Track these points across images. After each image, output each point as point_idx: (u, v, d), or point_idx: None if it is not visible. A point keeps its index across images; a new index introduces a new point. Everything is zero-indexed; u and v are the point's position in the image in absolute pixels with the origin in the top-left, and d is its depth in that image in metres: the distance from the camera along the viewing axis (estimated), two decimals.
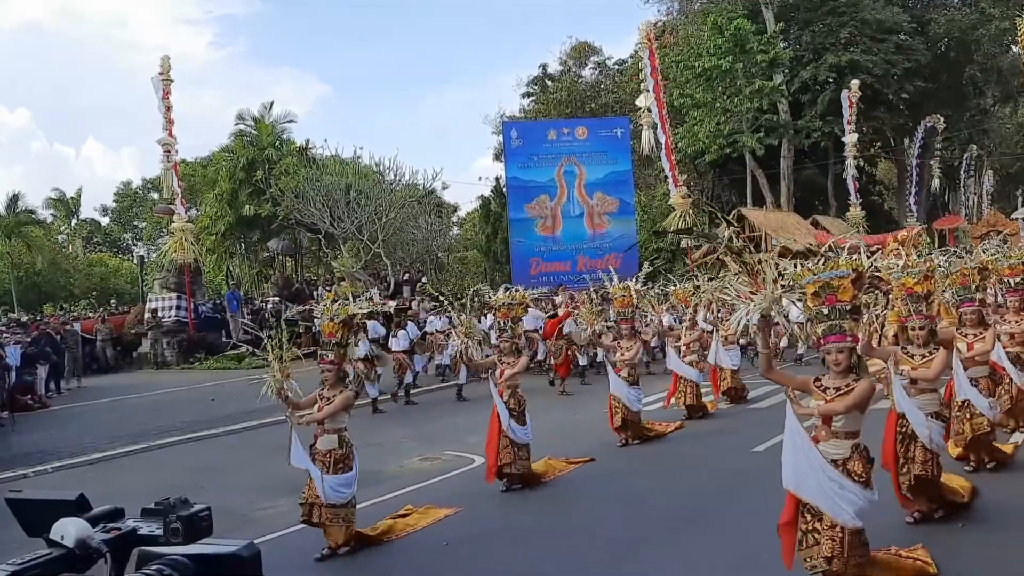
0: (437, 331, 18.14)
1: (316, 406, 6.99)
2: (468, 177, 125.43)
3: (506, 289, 9.77)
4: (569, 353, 16.87)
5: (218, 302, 28.79)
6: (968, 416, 7.86)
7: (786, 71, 34.31)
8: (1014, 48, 35.76)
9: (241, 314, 26.27)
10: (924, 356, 6.67)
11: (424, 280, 30.04)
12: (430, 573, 6.57)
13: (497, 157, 43.49)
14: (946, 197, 43.49)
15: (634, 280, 11.19)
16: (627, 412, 10.56)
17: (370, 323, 14.03)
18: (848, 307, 4.86)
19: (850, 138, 30.31)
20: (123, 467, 11.37)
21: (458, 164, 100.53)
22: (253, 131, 37.43)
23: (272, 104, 38.13)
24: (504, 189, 34.71)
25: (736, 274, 4.87)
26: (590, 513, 7.89)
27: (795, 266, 5.00)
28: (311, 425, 7.00)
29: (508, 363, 8.96)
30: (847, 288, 4.80)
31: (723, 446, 10.54)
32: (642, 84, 22.23)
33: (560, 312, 17.58)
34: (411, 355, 16.47)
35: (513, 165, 32.30)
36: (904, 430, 6.48)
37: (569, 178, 31.89)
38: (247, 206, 35.13)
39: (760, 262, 4.81)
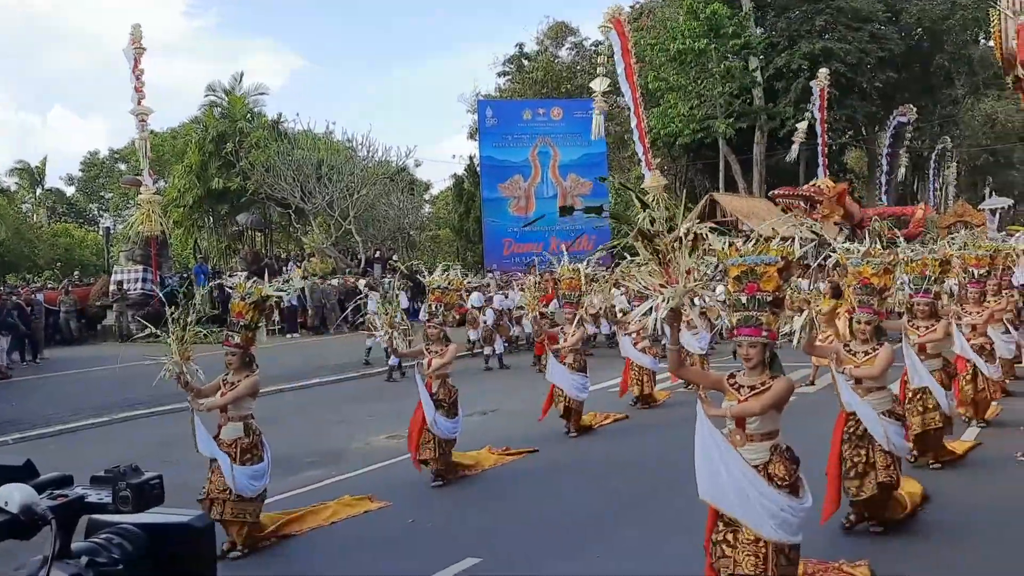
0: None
1: (219, 392, 6.43)
2: (442, 155, 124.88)
3: (446, 270, 8.90)
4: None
5: (185, 275, 28.46)
6: (921, 409, 7.66)
7: (760, 57, 34.43)
8: (983, 40, 36.12)
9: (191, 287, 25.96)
10: (867, 353, 6.29)
11: (395, 258, 29.91)
12: (341, 571, 6.16)
13: (471, 136, 43.30)
14: (915, 187, 44.02)
15: (585, 263, 10.56)
16: (571, 401, 10.04)
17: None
18: (769, 298, 4.34)
19: (801, 125, 30.57)
20: (86, 439, 11.23)
21: (432, 142, 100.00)
22: (224, 103, 36.91)
23: (243, 76, 37.64)
24: (478, 168, 34.62)
25: (647, 262, 4.33)
26: (524, 508, 7.48)
27: (725, 246, 4.54)
28: (220, 413, 6.51)
29: (436, 352, 8.23)
30: (772, 277, 4.31)
31: (669, 438, 10.38)
32: (598, 68, 22.21)
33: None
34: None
35: (487, 144, 32.22)
36: (854, 430, 6.09)
37: (543, 159, 31.89)
38: (216, 179, 34.68)
39: (672, 250, 4.28)
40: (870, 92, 37.09)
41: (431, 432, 7.92)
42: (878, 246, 6.80)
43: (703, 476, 4.30)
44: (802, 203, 28.15)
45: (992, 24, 8.89)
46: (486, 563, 5.94)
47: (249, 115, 36.63)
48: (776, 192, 29.96)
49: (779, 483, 4.26)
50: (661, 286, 4.26)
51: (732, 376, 4.56)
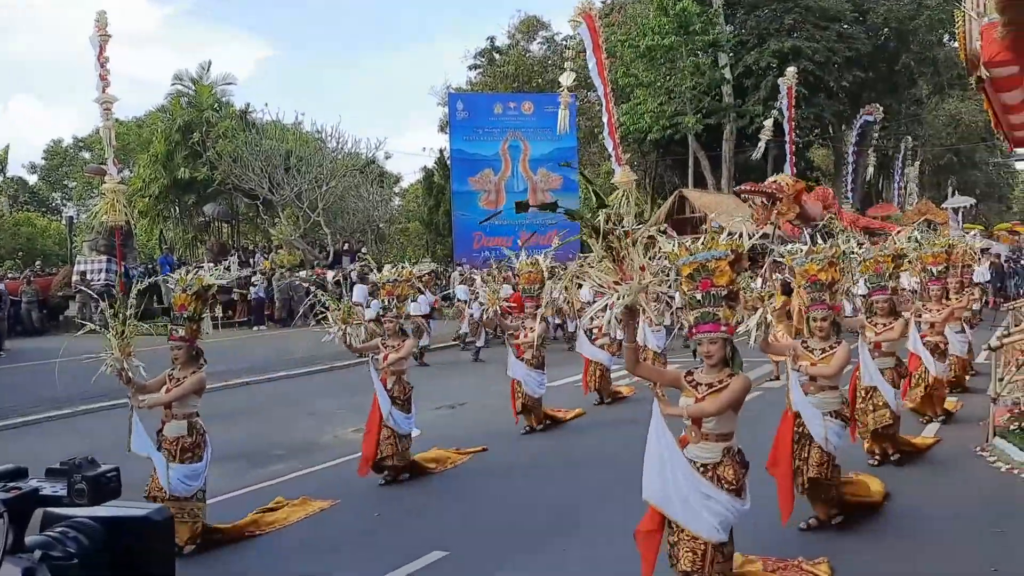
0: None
1: (163, 388, 6.20)
2: (412, 148, 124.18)
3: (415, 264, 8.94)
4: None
5: (150, 266, 28.08)
6: (871, 408, 7.71)
7: (730, 54, 34.67)
8: (947, 40, 36.66)
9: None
10: (825, 351, 6.24)
11: (364, 250, 29.76)
12: (304, 567, 6.01)
13: (442, 129, 43.18)
14: (880, 185, 44.62)
15: (544, 256, 10.30)
16: (527, 397, 9.91)
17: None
18: (724, 292, 4.33)
19: (768, 123, 30.84)
20: (47, 432, 11.06)
21: (402, 134, 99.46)
22: (191, 92, 36.42)
23: (210, 65, 37.14)
24: (448, 161, 34.52)
25: (600, 260, 4.17)
26: (487, 504, 7.33)
27: (674, 245, 4.52)
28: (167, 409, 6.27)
29: (392, 347, 8.05)
30: (724, 271, 4.29)
31: (627, 435, 10.39)
32: (566, 63, 22.26)
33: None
34: (429, 319, 18.16)
35: (458, 137, 32.13)
36: (801, 430, 6.10)
37: (514, 153, 31.88)
38: (182, 169, 34.23)
39: (626, 247, 4.14)
40: (837, 91, 37.49)
41: (389, 427, 7.81)
42: (820, 243, 6.69)
43: (650, 477, 4.27)
44: (764, 199, 28.07)
45: (957, 25, 8.99)
46: (454, 556, 5.94)
47: (216, 104, 36.17)
48: (741, 188, 30.01)
49: (726, 486, 4.26)
50: (615, 283, 4.14)
51: (690, 373, 4.52)
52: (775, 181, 29.44)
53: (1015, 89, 9.57)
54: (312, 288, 8.35)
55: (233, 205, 36.71)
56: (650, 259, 4.30)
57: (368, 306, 18.54)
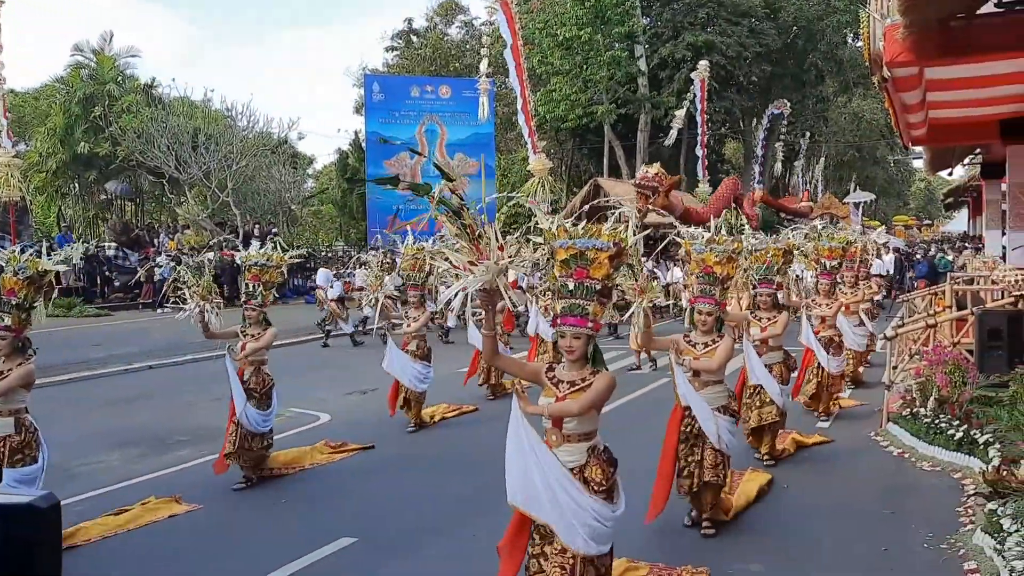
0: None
1: None
2: (327, 129, 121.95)
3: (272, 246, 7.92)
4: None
5: (47, 245, 26.84)
6: (758, 404, 7.66)
7: (646, 46, 35.15)
8: (852, 40, 38.00)
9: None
10: (708, 345, 6.04)
11: (275, 232, 29.12)
12: (185, 560, 5.78)
13: (358, 110, 42.51)
14: (787, 179, 46.06)
15: (431, 241, 9.40)
16: (408, 391, 9.35)
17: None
18: (598, 286, 3.99)
19: (679, 113, 31.41)
20: None
21: (316, 115, 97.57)
22: (92, 64, 34.86)
23: (112, 36, 35.61)
24: (363, 143, 34.06)
25: (455, 237, 3.88)
26: (380, 499, 7.05)
27: (552, 226, 4.12)
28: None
29: (253, 335, 7.47)
30: (602, 264, 3.96)
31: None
32: (482, 50, 22.25)
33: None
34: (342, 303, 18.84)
35: (374, 120, 31.77)
36: (690, 429, 5.87)
37: (431, 136, 31.69)
38: (83, 144, 32.80)
39: (481, 223, 3.85)
40: (747, 86, 38.45)
41: (240, 425, 7.26)
42: (724, 234, 6.38)
43: (514, 478, 3.94)
44: (649, 192, 27.94)
45: (861, 26, 9.30)
46: (364, 541, 5.89)
47: (120, 78, 34.75)
48: (635, 182, 29.53)
49: (595, 488, 3.94)
50: (470, 263, 3.81)
51: (551, 369, 4.17)
52: (658, 174, 28.68)
53: (914, 89, 9.98)
54: (181, 266, 6.91)
55: (137, 183, 35.42)
56: (514, 238, 4.09)
57: (331, 287, 18.53)
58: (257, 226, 30.16)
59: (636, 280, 5.13)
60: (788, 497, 6.95)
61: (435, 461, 8.35)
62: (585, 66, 33.87)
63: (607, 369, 4.14)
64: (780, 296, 8.34)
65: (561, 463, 3.94)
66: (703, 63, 30.86)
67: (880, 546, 5.72)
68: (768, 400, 7.61)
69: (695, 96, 30.81)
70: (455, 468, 8.05)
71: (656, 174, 26.90)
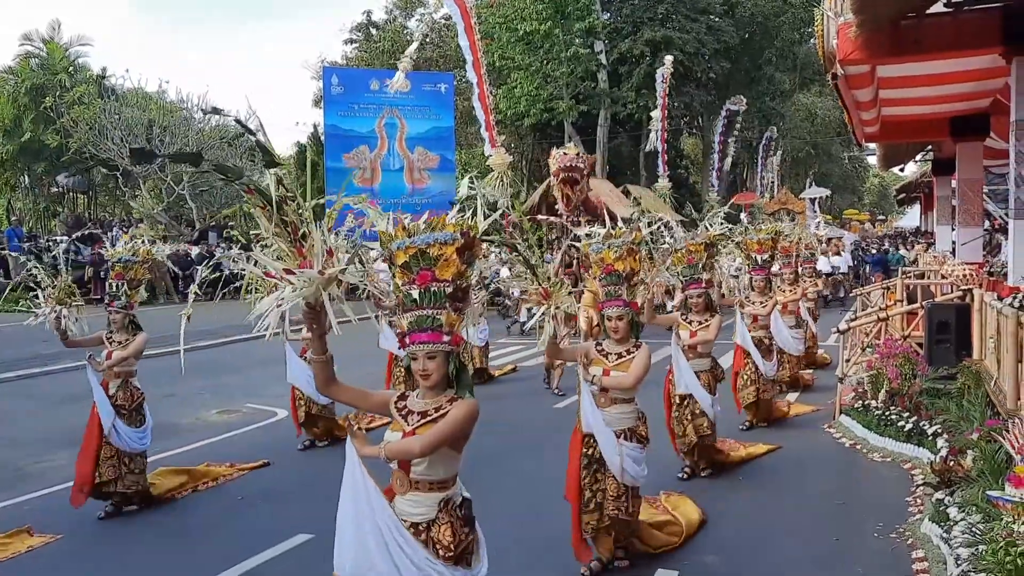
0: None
1: None
2: (284, 122, 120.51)
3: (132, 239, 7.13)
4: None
5: None
6: (690, 416, 7.04)
7: (605, 41, 35.24)
8: (808, 38, 38.54)
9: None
10: (621, 356, 5.22)
11: (232, 225, 28.77)
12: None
13: (316, 103, 42.05)
14: (744, 175, 46.59)
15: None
16: (312, 404, 8.36)
17: None
18: (449, 288, 3.23)
19: (655, 113, 31.54)
20: None
21: (274, 107, 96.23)
22: (42, 54, 34.06)
23: (61, 24, 34.83)
24: (322, 137, 33.73)
25: (273, 237, 3.11)
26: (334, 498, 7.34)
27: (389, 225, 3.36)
28: None
29: (119, 342, 6.65)
30: (450, 261, 3.21)
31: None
32: (415, 34, 22.19)
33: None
34: None
35: (332, 113, 31.41)
36: (592, 452, 5.11)
37: (390, 130, 31.44)
38: (31, 135, 32.06)
39: (307, 222, 3.10)
40: (706, 82, 38.74)
41: (111, 445, 6.45)
42: (621, 226, 5.63)
43: (344, 543, 3.23)
44: (577, 177, 23.52)
45: (816, 24, 9.43)
46: (320, 539, 5.85)
47: (71, 68, 34.00)
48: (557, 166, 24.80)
49: (442, 552, 3.18)
50: (287, 271, 3.04)
51: (402, 397, 3.42)
52: (579, 154, 24.35)
53: (867, 87, 10.15)
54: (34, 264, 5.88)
55: (90, 175, 34.69)
56: (349, 241, 3.34)
57: None
58: (214, 220, 29.77)
59: (540, 283, 4.63)
60: (741, 488, 7.03)
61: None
62: (546, 61, 33.86)
63: (471, 395, 3.34)
64: (714, 294, 7.79)
65: (403, 520, 3.22)
66: (668, 58, 31.00)
67: (832, 536, 5.82)
68: (700, 411, 7.02)
69: (660, 91, 30.88)
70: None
71: (578, 154, 23.23)
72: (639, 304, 5.57)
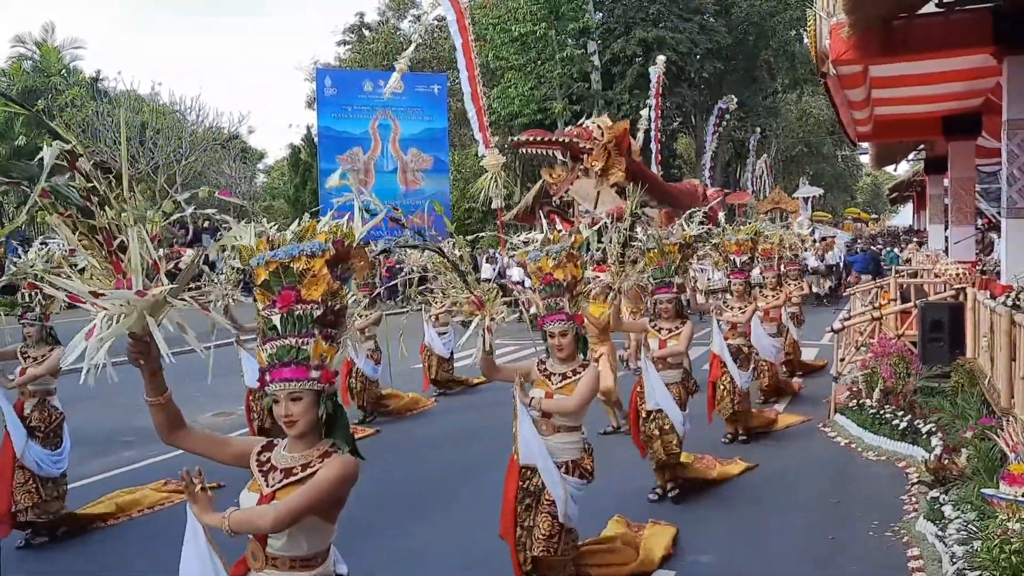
0: None
1: None
2: (278, 123, 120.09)
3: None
4: None
5: None
6: (658, 432, 6.41)
7: (598, 42, 35.27)
8: (804, 35, 38.60)
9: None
10: (566, 376, 4.57)
11: (227, 227, 28.73)
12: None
13: (310, 105, 42.05)
14: (737, 174, 46.65)
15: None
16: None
17: None
18: (317, 311, 2.60)
19: (645, 112, 31.56)
20: None
21: (268, 109, 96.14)
22: (36, 56, 34.00)
23: (54, 27, 34.77)
24: (316, 138, 33.72)
25: (81, 248, 2.54)
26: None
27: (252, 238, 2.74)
28: None
29: (34, 358, 6.03)
30: (319, 277, 2.60)
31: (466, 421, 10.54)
32: (413, 36, 22.26)
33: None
34: None
35: (326, 115, 31.42)
36: (527, 484, 4.52)
37: (384, 131, 31.45)
38: (23, 137, 32.00)
39: (118, 228, 2.52)
40: (698, 82, 38.78)
41: (27, 470, 5.91)
42: (558, 229, 5.06)
43: None
44: (557, 153, 21.38)
45: (809, 24, 9.45)
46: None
47: (65, 70, 33.95)
48: (517, 140, 23.05)
49: None
50: (95, 294, 2.40)
51: (267, 447, 2.81)
52: (581, 125, 21.63)
53: (859, 86, 10.17)
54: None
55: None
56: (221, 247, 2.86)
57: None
58: (207, 222, 29.71)
59: (471, 291, 4.29)
60: (737, 487, 7.04)
61: (378, 455, 8.32)
62: (539, 62, 33.89)
63: (352, 446, 2.73)
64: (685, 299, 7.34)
65: None
66: (661, 58, 31.04)
67: (827, 534, 5.83)
68: (669, 427, 6.39)
69: (653, 91, 30.93)
70: (400, 463, 8.01)
71: (577, 126, 20.33)
72: (610, 313, 5.09)
